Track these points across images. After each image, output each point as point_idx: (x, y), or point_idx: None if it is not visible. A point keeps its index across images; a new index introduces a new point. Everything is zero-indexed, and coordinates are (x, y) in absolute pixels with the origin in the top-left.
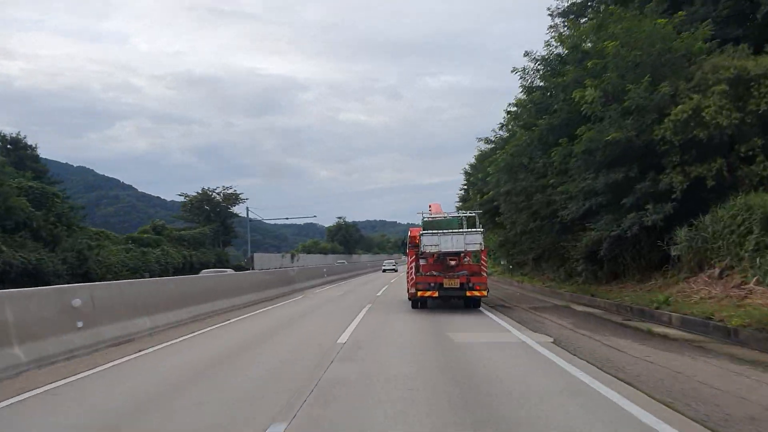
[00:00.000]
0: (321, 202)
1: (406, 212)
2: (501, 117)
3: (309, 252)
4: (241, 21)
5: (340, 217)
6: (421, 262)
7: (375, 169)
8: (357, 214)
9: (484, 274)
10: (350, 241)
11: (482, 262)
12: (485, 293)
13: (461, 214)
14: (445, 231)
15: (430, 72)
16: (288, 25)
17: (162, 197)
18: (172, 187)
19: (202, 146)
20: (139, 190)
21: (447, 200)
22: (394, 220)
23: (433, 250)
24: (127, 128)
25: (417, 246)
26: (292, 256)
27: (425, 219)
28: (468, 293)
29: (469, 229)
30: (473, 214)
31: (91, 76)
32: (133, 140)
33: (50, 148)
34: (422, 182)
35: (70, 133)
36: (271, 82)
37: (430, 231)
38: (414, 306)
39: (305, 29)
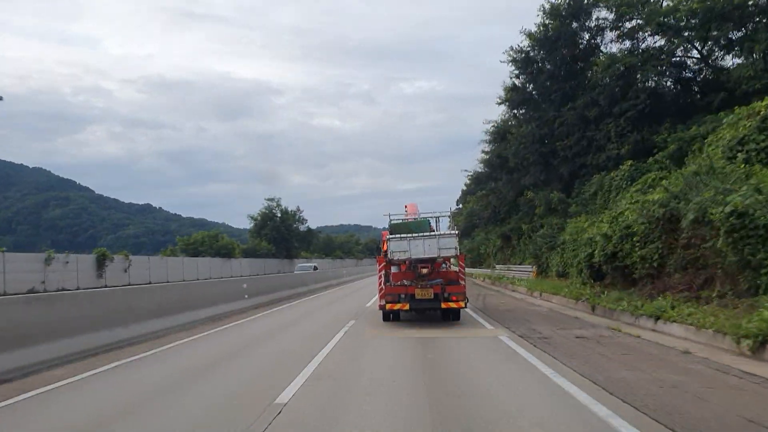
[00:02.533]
0: (297, 207)
1: (381, 217)
2: (476, 125)
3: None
4: (213, 24)
5: (271, 199)
6: (393, 269)
7: (350, 175)
8: (332, 219)
9: (462, 283)
10: (289, 239)
11: (460, 268)
12: (463, 304)
13: (433, 215)
14: (415, 235)
15: (404, 77)
16: (260, 28)
17: (120, 200)
18: (142, 193)
19: (174, 151)
20: (96, 192)
21: (437, 204)
22: (369, 224)
23: (402, 257)
24: (97, 132)
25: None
26: None
27: (392, 221)
28: (443, 305)
29: (443, 232)
30: (446, 214)
31: (61, 79)
32: (103, 145)
33: (19, 153)
34: (398, 188)
35: (40, 137)
36: (244, 87)
37: (399, 235)
38: (385, 319)
39: (278, 33)
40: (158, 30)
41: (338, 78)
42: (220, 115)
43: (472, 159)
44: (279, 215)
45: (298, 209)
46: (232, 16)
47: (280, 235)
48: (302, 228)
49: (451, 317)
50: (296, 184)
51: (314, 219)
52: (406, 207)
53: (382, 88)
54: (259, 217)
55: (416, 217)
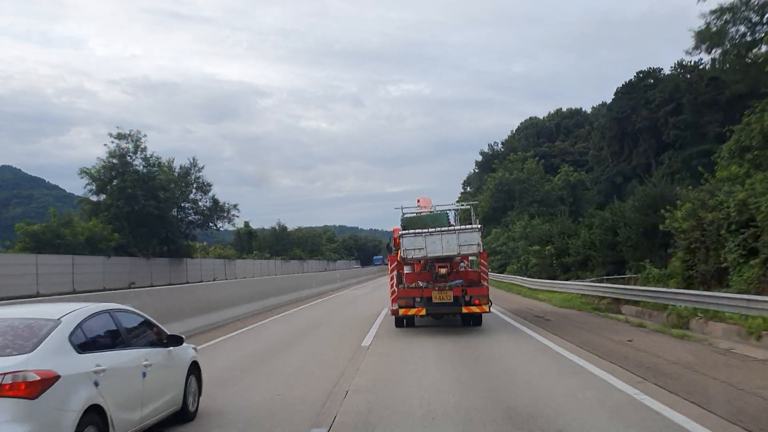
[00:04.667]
0: (282, 211)
1: (368, 220)
2: (464, 129)
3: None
4: (199, 25)
5: (123, 136)
6: (406, 270)
7: (338, 178)
8: (316, 221)
9: (485, 284)
10: (166, 222)
11: (482, 268)
12: (487, 308)
13: (452, 207)
14: (432, 230)
15: (391, 80)
16: (247, 30)
17: (91, 198)
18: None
19: (160, 153)
20: (68, 191)
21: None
22: (356, 226)
23: (418, 255)
24: (82, 134)
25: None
26: None
27: (405, 215)
28: (464, 309)
29: (463, 226)
30: (468, 206)
31: (43, 80)
32: (88, 147)
33: (2, 154)
34: (386, 191)
35: (22, 138)
36: (230, 88)
37: (413, 231)
38: (398, 324)
39: (264, 35)
40: (143, 31)
41: (325, 80)
42: (207, 116)
43: (461, 162)
44: (141, 169)
45: (194, 164)
46: (217, 17)
47: (142, 214)
48: (202, 202)
49: (472, 323)
50: (283, 186)
51: (299, 221)
52: (418, 201)
53: (369, 91)
54: (100, 174)
55: (432, 210)
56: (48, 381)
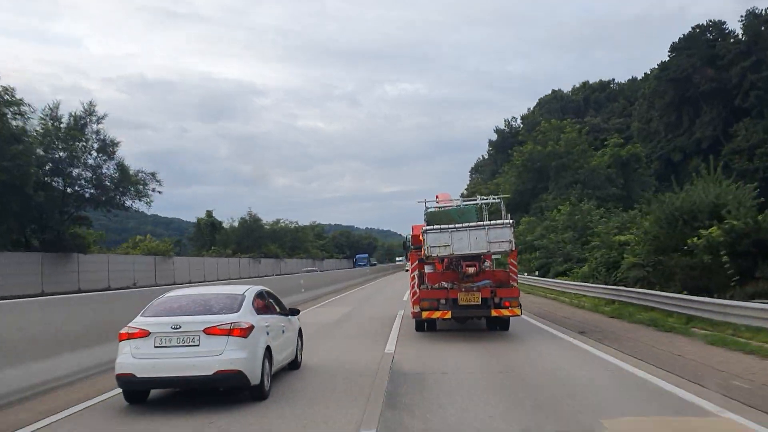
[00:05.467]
0: (279, 211)
1: (365, 220)
2: (462, 129)
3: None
4: (195, 24)
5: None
6: (427, 269)
7: (335, 177)
8: (311, 220)
9: (515, 285)
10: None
11: (511, 267)
12: (518, 311)
13: (480, 201)
14: (458, 226)
15: (388, 79)
16: (243, 28)
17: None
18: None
19: (156, 152)
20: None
21: (420, 208)
22: (351, 225)
23: (443, 252)
24: None
25: (421, 248)
26: None
27: (429, 209)
28: (493, 312)
29: (493, 222)
30: (497, 200)
31: (39, 78)
32: None
33: None
34: (383, 191)
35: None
36: (227, 87)
37: (438, 226)
38: (419, 328)
39: (261, 34)
40: (140, 29)
41: (322, 79)
42: (203, 115)
43: (459, 162)
44: None
45: (90, 111)
46: (214, 15)
47: None
48: (106, 170)
49: (498, 327)
50: (280, 186)
51: (300, 221)
52: (437, 197)
53: (366, 90)
54: None
55: (458, 203)
56: (250, 328)
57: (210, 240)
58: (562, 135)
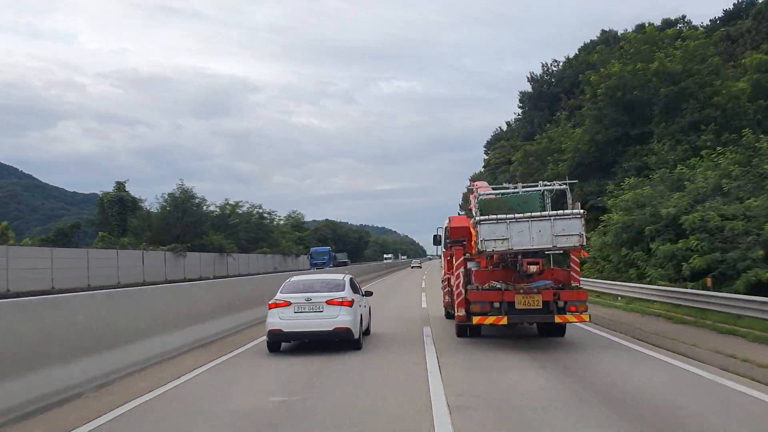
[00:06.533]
0: (274, 208)
1: (358, 216)
2: (457, 128)
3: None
4: (190, 20)
5: None
6: (471, 266)
7: (329, 174)
8: (309, 218)
9: (581, 286)
10: None
11: (573, 265)
12: (587, 317)
13: (542, 187)
14: (518, 216)
15: (383, 77)
16: (238, 25)
17: (66, 189)
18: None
19: (150, 148)
20: (43, 181)
21: (415, 205)
22: (345, 221)
23: (499, 247)
24: (70, 128)
25: (460, 242)
26: None
27: (481, 197)
28: (558, 318)
29: (560, 212)
30: (563, 186)
31: (32, 73)
32: (77, 141)
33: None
34: (377, 188)
35: (9, 132)
36: (221, 83)
37: (494, 216)
38: (461, 334)
39: (256, 30)
40: (134, 24)
41: (317, 76)
42: (197, 112)
43: (453, 161)
44: None
45: None
46: (209, 11)
47: None
48: None
49: (552, 333)
50: (275, 183)
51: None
52: (473, 184)
53: (361, 88)
54: None
55: (516, 189)
56: (353, 301)
57: (120, 225)
58: (684, 45)
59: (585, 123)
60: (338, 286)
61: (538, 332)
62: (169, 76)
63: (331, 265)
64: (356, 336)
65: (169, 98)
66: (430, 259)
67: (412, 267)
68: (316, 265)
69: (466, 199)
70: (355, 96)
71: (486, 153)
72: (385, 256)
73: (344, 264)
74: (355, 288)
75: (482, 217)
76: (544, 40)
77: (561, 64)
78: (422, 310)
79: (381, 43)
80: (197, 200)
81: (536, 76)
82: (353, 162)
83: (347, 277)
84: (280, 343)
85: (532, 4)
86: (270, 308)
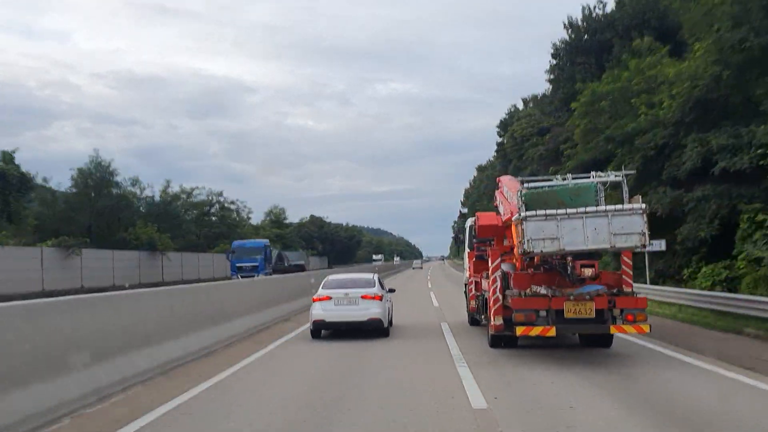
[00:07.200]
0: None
1: (354, 218)
2: (453, 130)
3: None
4: (185, 20)
5: None
6: (504, 267)
7: (325, 176)
8: (297, 217)
9: (637, 292)
10: None
11: (625, 268)
12: (647, 328)
13: (595, 179)
14: (569, 211)
15: (379, 78)
16: (233, 25)
17: (46, 185)
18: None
19: (145, 149)
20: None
21: (411, 207)
22: (339, 223)
23: (550, 248)
24: (65, 128)
25: (489, 241)
26: None
27: (525, 190)
28: (613, 329)
29: (619, 207)
30: (619, 177)
31: (26, 72)
32: (71, 141)
33: None
34: (373, 190)
35: (3, 131)
36: (216, 84)
37: (543, 212)
38: (494, 344)
39: (251, 31)
40: (128, 24)
41: (313, 77)
42: (192, 112)
43: (448, 164)
44: None
45: None
46: (204, 11)
47: None
48: None
49: (598, 343)
50: (271, 184)
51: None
52: (499, 180)
53: (356, 89)
54: None
55: (565, 180)
56: (383, 296)
57: (1, 210)
58: None
59: (695, 48)
60: (369, 284)
61: (580, 342)
62: (164, 76)
63: (267, 271)
64: (385, 325)
65: (164, 98)
66: (427, 260)
67: (414, 268)
68: (241, 271)
69: (466, 195)
70: (351, 98)
71: (499, 135)
72: (374, 257)
73: (299, 269)
74: (382, 285)
75: (528, 213)
76: (541, 40)
77: (606, 4)
78: (436, 309)
79: (377, 44)
80: (120, 180)
81: (575, 22)
82: (349, 164)
83: (376, 276)
84: (320, 331)
85: (528, 4)
86: (314, 302)
